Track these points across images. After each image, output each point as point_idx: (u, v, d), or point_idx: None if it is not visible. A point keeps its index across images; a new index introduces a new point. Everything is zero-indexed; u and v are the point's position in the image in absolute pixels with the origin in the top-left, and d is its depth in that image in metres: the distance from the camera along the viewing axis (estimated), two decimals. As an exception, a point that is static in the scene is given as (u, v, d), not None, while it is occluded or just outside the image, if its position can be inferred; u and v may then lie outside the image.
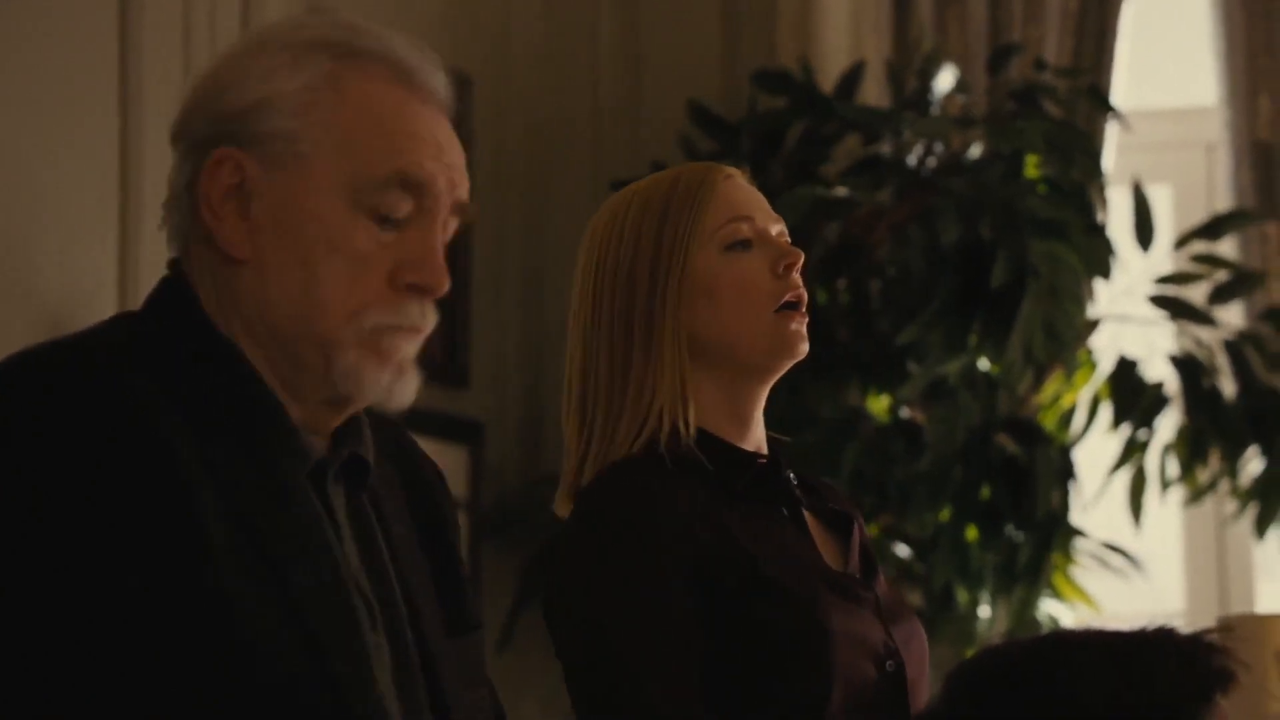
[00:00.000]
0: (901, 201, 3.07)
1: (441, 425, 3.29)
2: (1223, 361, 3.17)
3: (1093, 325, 3.22)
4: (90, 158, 2.61)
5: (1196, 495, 3.19)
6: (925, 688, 1.64)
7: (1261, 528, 3.15)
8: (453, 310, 3.35)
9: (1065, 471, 3.08)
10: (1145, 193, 3.17)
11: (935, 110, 3.21)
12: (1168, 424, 3.18)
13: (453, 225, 1.23)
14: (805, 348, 1.64)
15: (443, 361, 3.32)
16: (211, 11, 2.86)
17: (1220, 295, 3.19)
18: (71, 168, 2.57)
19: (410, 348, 1.24)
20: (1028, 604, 3.07)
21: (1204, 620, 3.24)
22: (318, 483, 1.20)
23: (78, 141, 2.58)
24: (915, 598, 3.09)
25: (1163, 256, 3.29)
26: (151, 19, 2.71)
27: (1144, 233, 3.16)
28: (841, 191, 3.05)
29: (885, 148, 3.19)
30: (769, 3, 3.47)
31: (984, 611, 3.09)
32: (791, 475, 1.67)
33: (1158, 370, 3.19)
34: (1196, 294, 3.23)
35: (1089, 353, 3.22)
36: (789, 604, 1.56)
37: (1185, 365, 3.14)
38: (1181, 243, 3.24)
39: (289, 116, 1.19)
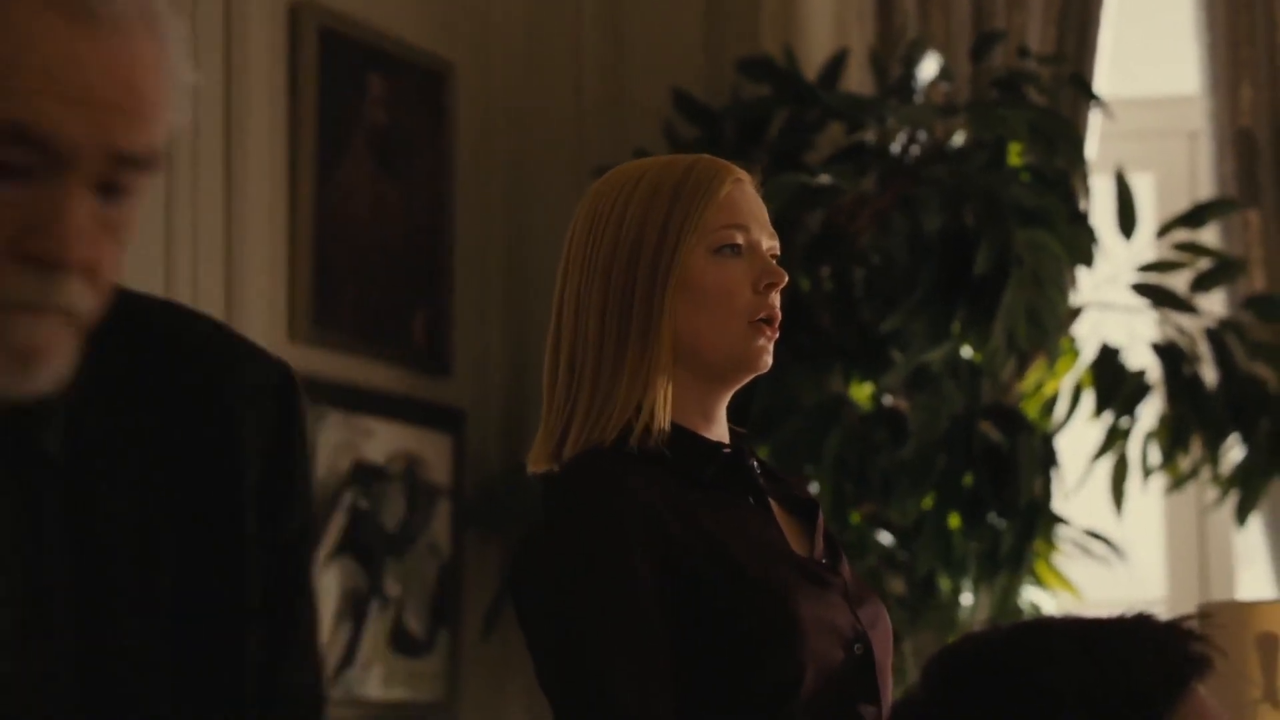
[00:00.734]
0: (885, 189, 3.08)
1: (423, 413, 3.29)
2: (1204, 349, 3.18)
3: (1075, 313, 3.22)
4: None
5: (1178, 483, 3.20)
6: (891, 670, 1.65)
7: (1242, 515, 3.16)
8: (435, 297, 3.35)
9: (1048, 459, 3.09)
10: (1128, 181, 3.17)
11: (919, 98, 3.21)
12: (1150, 412, 3.18)
13: (133, 181, 1.02)
14: (768, 362, 1.66)
15: (425, 349, 3.31)
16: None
17: (1202, 283, 3.19)
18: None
19: (36, 330, 1.01)
20: (1010, 591, 3.08)
21: (1185, 607, 3.25)
22: None
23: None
24: (898, 585, 3.10)
25: (1145, 244, 3.30)
26: None
27: (1126, 221, 3.16)
28: (825, 179, 3.06)
29: (869, 135, 3.19)
30: (752, -10, 3.47)
31: (966, 599, 3.09)
32: (755, 464, 1.68)
33: (1140, 358, 3.20)
34: (1179, 282, 3.24)
35: (1071, 340, 3.22)
36: (760, 590, 1.57)
37: (1167, 353, 3.15)
38: (1164, 231, 3.25)
39: None
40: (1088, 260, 3.06)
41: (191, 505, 1.11)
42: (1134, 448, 3.15)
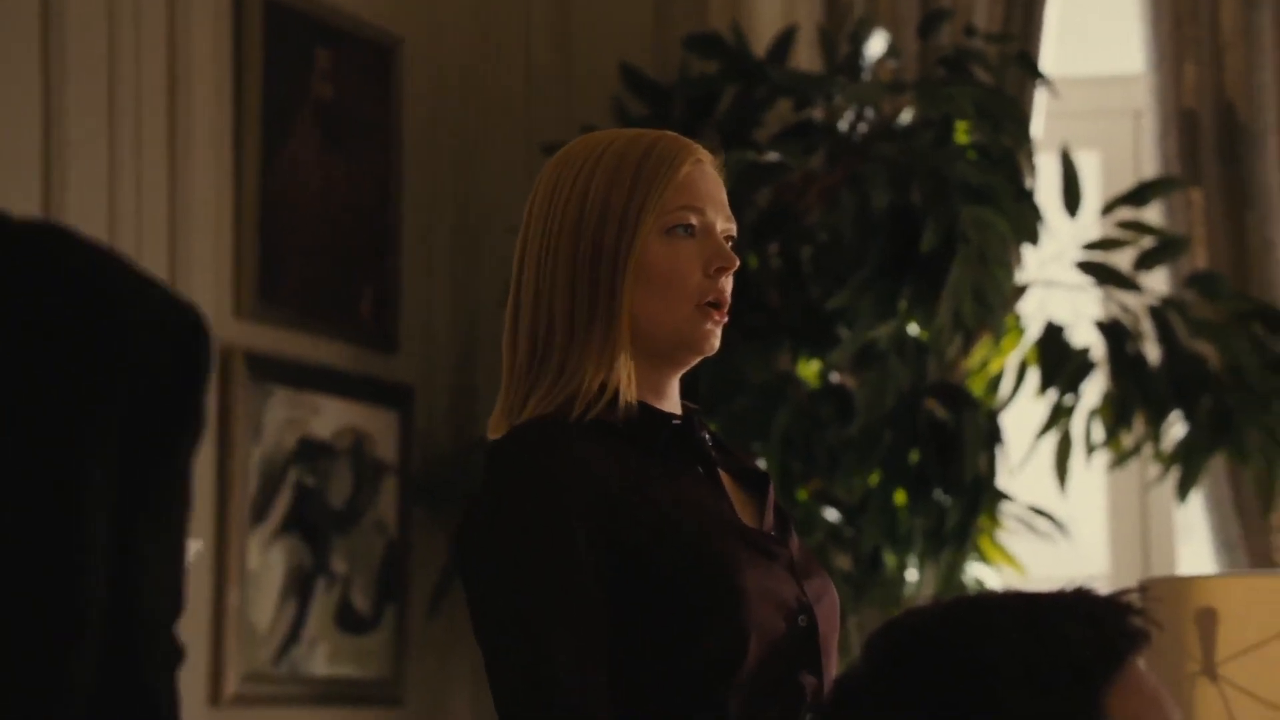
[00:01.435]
0: (833, 167, 3.08)
1: (371, 389, 3.28)
2: (1148, 327, 3.20)
3: (1020, 291, 3.24)
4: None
5: (1121, 459, 3.23)
6: (836, 644, 1.67)
7: (1183, 491, 3.19)
8: (382, 273, 3.33)
9: (992, 436, 3.11)
10: (1073, 159, 3.19)
11: (866, 76, 3.21)
12: (1093, 389, 3.21)
13: None
14: (715, 345, 1.67)
15: (372, 325, 3.30)
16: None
17: (1146, 261, 3.22)
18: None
19: None
20: (955, 567, 3.10)
21: (1127, 582, 3.28)
22: None
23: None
24: (844, 561, 3.12)
25: (1090, 223, 3.32)
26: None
27: (1071, 199, 3.18)
28: (773, 156, 3.06)
29: (817, 113, 3.19)
30: (701, -34, 3.46)
31: (912, 575, 3.11)
32: (707, 435, 1.69)
33: (1084, 336, 3.22)
34: (1123, 260, 3.26)
35: (1017, 318, 3.24)
36: (705, 559, 1.58)
37: (1111, 331, 3.18)
38: (1108, 209, 3.27)
39: None
40: (1033, 238, 3.08)
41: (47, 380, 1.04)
42: (1078, 425, 3.18)
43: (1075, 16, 3.54)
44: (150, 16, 2.87)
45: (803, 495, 3.08)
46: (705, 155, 1.68)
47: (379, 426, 3.28)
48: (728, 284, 1.66)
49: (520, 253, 1.67)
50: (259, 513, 3.05)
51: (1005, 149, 3.08)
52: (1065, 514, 3.24)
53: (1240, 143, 3.45)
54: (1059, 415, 3.17)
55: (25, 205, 2.57)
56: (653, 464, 1.63)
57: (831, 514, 3.12)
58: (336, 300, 3.23)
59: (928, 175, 2.98)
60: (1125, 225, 3.23)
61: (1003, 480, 3.15)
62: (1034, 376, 3.20)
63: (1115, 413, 3.15)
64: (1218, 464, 3.32)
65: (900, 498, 3.08)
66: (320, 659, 3.16)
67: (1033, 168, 3.19)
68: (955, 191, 2.96)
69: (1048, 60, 3.43)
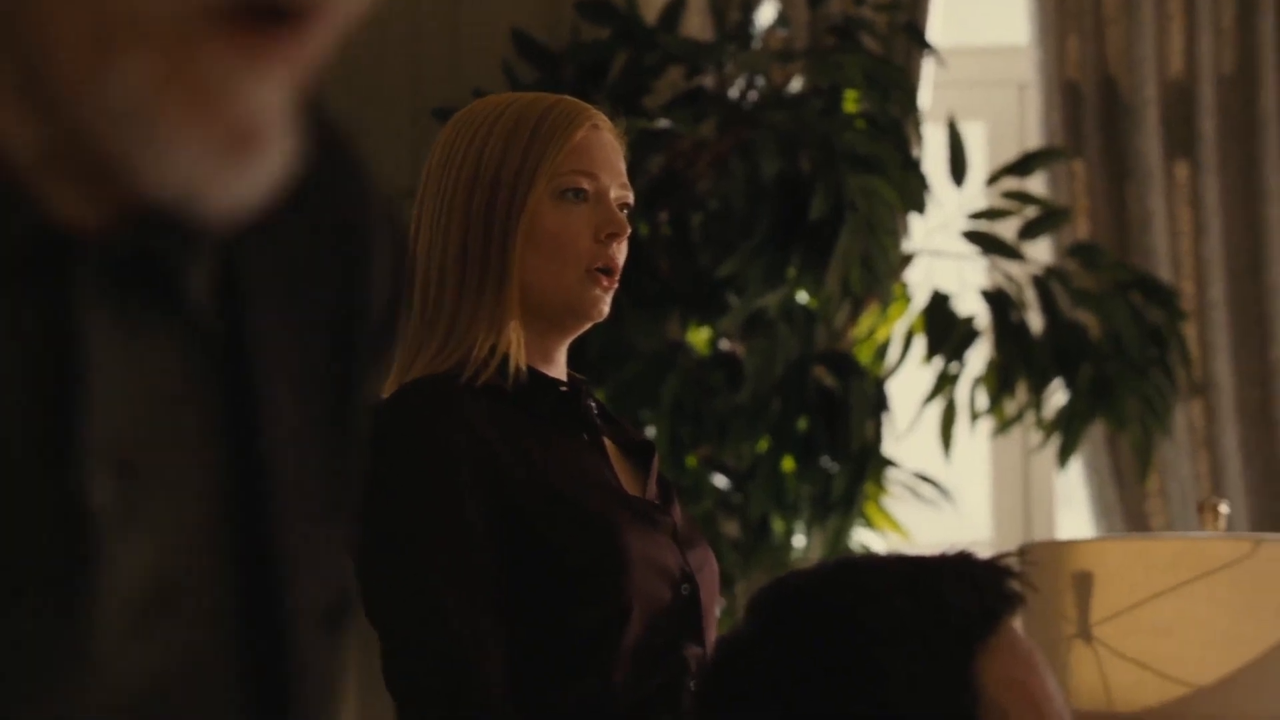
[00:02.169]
0: (723, 135, 3.09)
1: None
2: (1031, 296, 3.25)
3: (907, 260, 3.27)
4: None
5: (1003, 426, 3.28)
6: (716, 614, 1.68)
7: (1063, 458, 3.25)
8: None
9: (879, 404, 3.14)
10: (959, 129, 3.22)
11: (757, 44, 3.22)
12: (978, 357, 3.25)
13: None
14: (604, 311, 1.66)
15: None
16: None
17: (1029, 231, 3.26)
18: None
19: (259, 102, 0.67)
20: (841, 534, 3.14)
21: (1009, 547, 3.34)
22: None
23: None
24: (732, 528, 3.14)
25: (975, 193, 3.36)
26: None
27: (958, 169, 3.22)
28: (664, 124, 3.06)
29: (708, 80, 3.19)
30: (592, -68, 3.45)
31: (799, 541, 3.14)
32: (593, 404, 1.69)
33: (969, 304, 3.26)
34: (1007, 230, 3.30)
35: (904, 287, 3.28)
36: (588, 525, 1.59)
37: (995, 300, 3.22)
38: (993, 179, 3.31)
39: None
40: (920, 207, 3.11)
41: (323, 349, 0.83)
42: (962, 392, 3.22)
43: (963, -12, 3.57)
44: None
45: (692, 462, 3.09)
46: (603, 121, 1.68)
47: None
48: (620, 251, 1.66)
49: (416, 215, 1.66)
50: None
51: (893, 118, 3.10)
52: (950, 480, 3.28)
53: (1121, 115, 3.51)
54: (944, 383, 3.21)
55: None
56: (539, 429, 1.63)
57: (720, 480, 3.14)
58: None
59: (817, 144, 3.00)
60: (1010, 195, 3.28)
61: (889, 447, 3.18)
62: (920, 344, 3.23)
63: (999, 380, 3.20)
64: (1097, 431, 3.38)
65: (788, 464, 3.11)
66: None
67: (920, 137, 3.22)
68: (843, 160, 2.98)
69: (935, 30, 3.46)
